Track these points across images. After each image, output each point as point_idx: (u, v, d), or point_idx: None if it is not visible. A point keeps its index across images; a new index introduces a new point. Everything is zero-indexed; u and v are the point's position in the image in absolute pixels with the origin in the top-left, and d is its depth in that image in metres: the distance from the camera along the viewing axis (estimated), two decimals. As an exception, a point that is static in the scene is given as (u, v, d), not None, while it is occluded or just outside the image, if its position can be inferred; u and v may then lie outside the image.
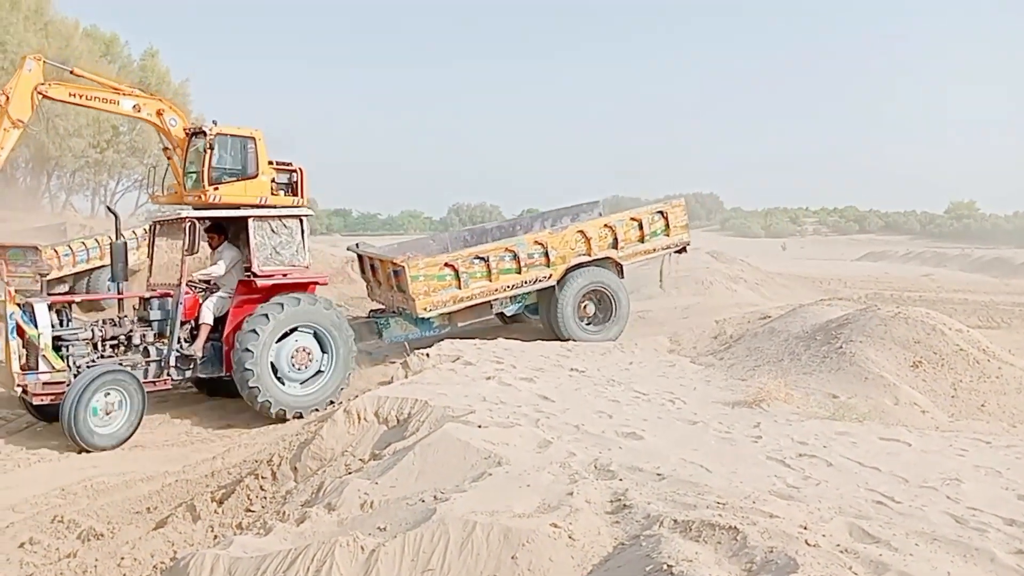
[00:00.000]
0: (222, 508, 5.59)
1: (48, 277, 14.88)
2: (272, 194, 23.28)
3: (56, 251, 15.17)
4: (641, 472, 4.41)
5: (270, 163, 23.29)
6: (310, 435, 6.22)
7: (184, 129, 21.80)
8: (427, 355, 8.85)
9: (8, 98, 18.73)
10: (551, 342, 10.79)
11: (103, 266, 16.21)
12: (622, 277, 11.50)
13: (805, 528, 3.35)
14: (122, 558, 4.95)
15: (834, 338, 8.86)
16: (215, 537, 5.08)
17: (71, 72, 20.74)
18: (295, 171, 23.74)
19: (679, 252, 11.93)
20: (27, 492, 6.50)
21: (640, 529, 3.46)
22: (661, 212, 11.61)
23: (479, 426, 5.22)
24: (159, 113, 21.90)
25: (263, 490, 5.69)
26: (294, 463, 5.86)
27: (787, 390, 7.25)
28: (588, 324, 11.30)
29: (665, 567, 2.92)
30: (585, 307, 11.25)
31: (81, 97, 20.82)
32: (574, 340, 10.67)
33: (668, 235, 11.65)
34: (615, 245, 11.25)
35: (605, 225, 11.25)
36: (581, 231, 11.05)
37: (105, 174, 33.79)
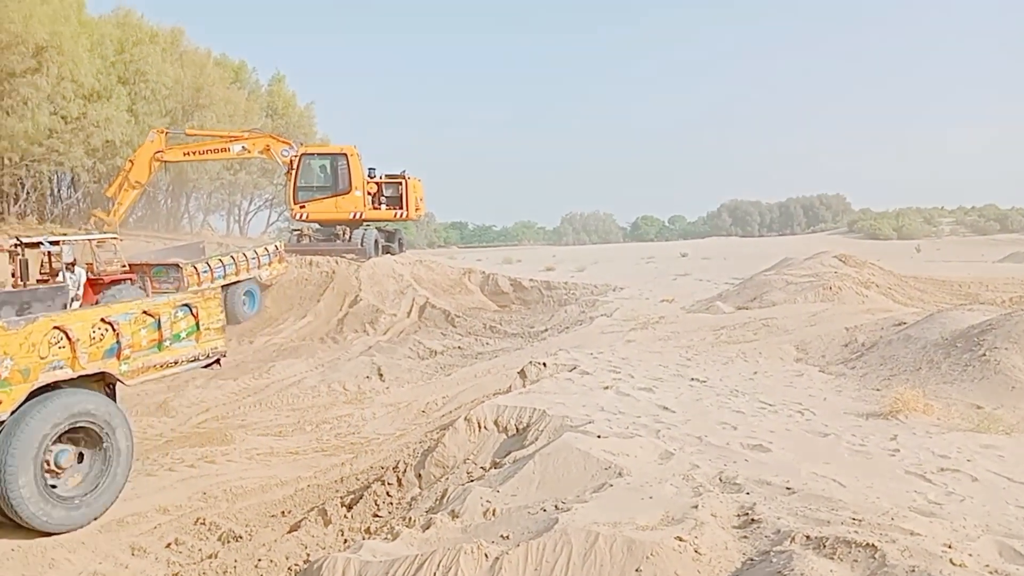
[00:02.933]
0: (351, 513, 5.79)
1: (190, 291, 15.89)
2: (374, 208, 23.95)
3: (195, 268, 16.18)
4: (769, 486, 4.26)
5: (372, 178, 24.04)
6: (433, 443, 6.36)
7: (293, 156, 22.94)
8: (544, 365, 8.89)
9: (132, 164, 21.06)
10: (672, 351, 10.61)
11: (238, 281, 17.21)
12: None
13: (949, 547, 3.15)
14: (259, 560, 5.20)
15: (976, 345, 8.29)
16: (345, 541, 5.27)
17: (186, 133, 22.70)
18: (400, 183, 24.36)
19: (208, 367, 7.88)
20: (173, 496, 6.96)
21: (770, 545, 3.35)
22: (188, 306, 7.50)
23: (598, 436, 5.19)
24: (266, 149, 23.42)
25: (389, 496, 5.85)
26: (418, 470, 6.00)
27: (926, 400, 6.85)
28: (62, 490, 6.12)
29: (797, 584, 2.82)
30: (57, 458, 6.07)
31: (194, 154, 23.04)
32: (30, 522, 5.71)
33: (197, 341, 7.58)
34: (117, 353, 6.68)
35: (103, 320, 6.59)
36: (60, 327, 6.15)
37: (238, 195, 35.87)
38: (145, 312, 7.11)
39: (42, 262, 14.38)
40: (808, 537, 3.27)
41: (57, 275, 14.06)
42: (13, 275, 14.02)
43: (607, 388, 7.26)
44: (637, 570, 3.22)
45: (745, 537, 3.51)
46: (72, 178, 26.27)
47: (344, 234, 21.50)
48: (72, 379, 6.34)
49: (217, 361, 7.89)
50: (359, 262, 19.91)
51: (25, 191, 23.63)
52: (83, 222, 25.94)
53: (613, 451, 4.92)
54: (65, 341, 6.25)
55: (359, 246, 20.87)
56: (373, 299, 17.87)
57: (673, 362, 9.44)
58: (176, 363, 7.45)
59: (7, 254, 14.10)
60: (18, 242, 14.17)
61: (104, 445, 6.43)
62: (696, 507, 3.78)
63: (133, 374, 6.98)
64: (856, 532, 3.28)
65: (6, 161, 21.29)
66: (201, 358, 7.70)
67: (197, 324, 7.58)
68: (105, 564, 5.38)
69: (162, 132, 20.78)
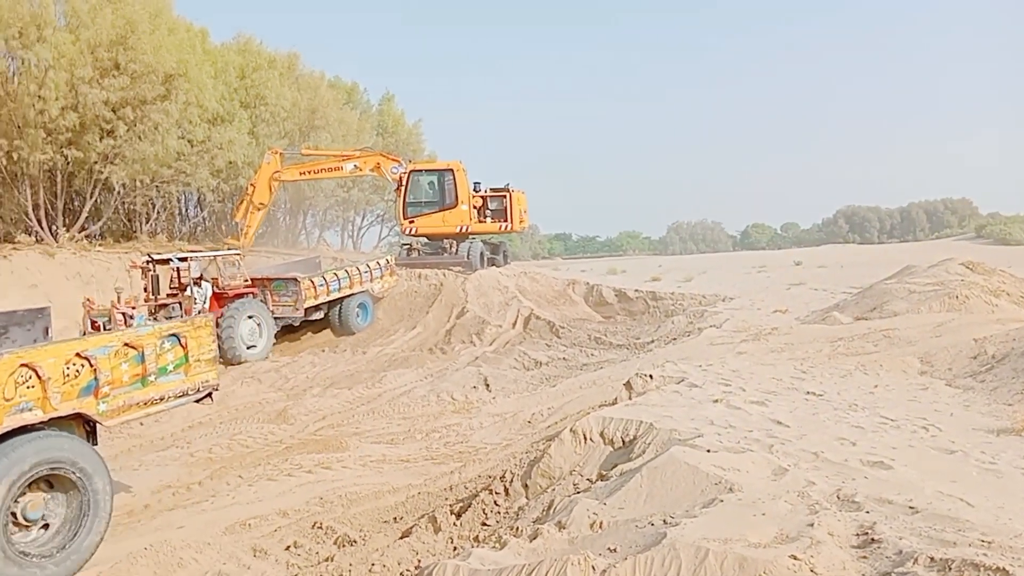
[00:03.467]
0: (460, 521, 5.88)
1: (307, 304, 16.60)
2: (479, 221, 24.42)
3: (312, 282, 16.86)
4: (891, 504, 4.07)
5: (477, 192, 24.53)
6: (539, 453, 6.39)
7: (401, 174, 23.71)
8: (650, 377, 8.78)
9: (254, 187, 22.36)
10: (786, 363, 10.27)
11: (353, 294, 17.82)
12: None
13: (1095, 576, 2.92)
14: (372, 564, 5.36)
15: None
16: (454, 548, 5.36)
17: (301, 152, 23.96)
18: (505, 196, 24.75)
19: (200, 402, 7.42)
20: (292, 500, 7.26)
21: (891, 566, 3.20)
22: (176, 336, 6.95)
23: (708, 450, 5.09)
24: (377, 167, 24.33)
25: (497, 505, 5.92)
26: (525, 480, 6.04)
27: (1066, 418, 6.37)
28: (29, 546, 5.53)
29: (922, 609, 2.68)
30: (24, 511, 5.51)
31: (309, 173, 24.23)
32: None
33: (186, 374, 7.05)
34: (95, 391, 6.12)
35: (79, 355, 6.02)
36: (28, 365, 5.57)
37: (352, 211, 37.13)
38: (127, 344, 6.47)
39: (171, 278, 15.34)
40: (932, 559, 3.10)
41: (185, 290, 14.95)
42: (145, 290, 15.02)
43: (717, 401, 7.11)
44: (749, 588, 3.14)
45: (864, 558, 3.36)
46: (198, 198, 27.87)
47: (451, 247, 21.94)
48: (43, 422, 5.68)
49: (209, 395, 7.31)
50: (466, 274, 20.26)
51: (156, 211, 25.23)
52: (208, 239, 27.50)
53: (723, 466, 4.81)
54: (35, 380, 5.62)
55: (465, 259, 21.24)
56: (479, 310, 18.12)
57: (787, 375, 9.14)
58: (162, 399, 6.81)
59: (140, 270, 15.13)
60: (150, 259, 15.17)
61: (79, 494, 5.76)
62: (812, 525, 3.65)
63: (113, 414, 6.33)
64: (985, 555, 3.09)
65: (138, 183, 22.80)
66: (191, 393, 7.07)
67: (186, 356, 6.98)
68: (229, 564, 5.66)
69: (276, 152, 21.85)
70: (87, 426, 6.24)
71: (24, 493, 5.50)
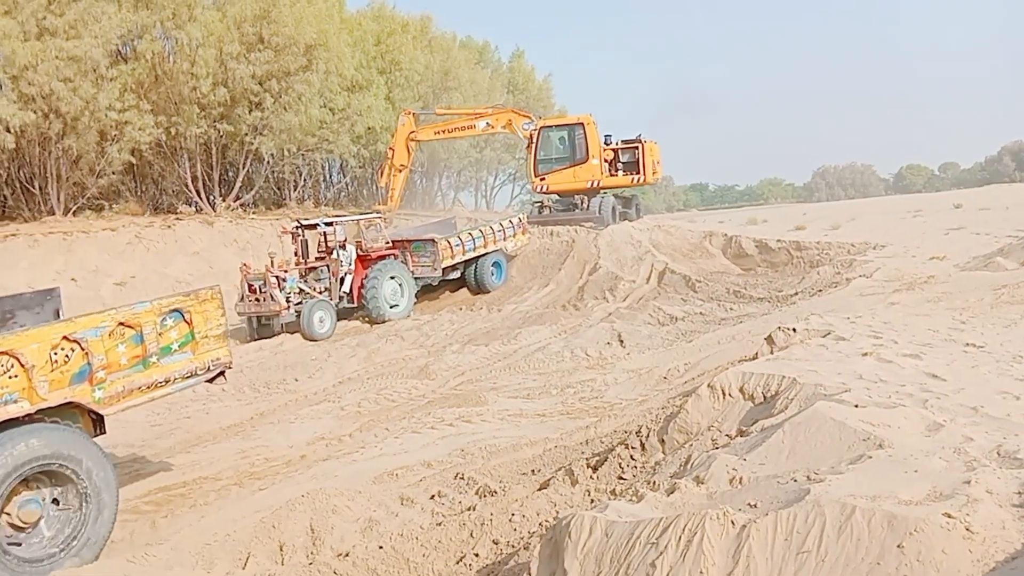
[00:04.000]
0: (597, 475, 5.95)
1: (444, 264, 17.06)
2: (611, 175, 24.07)
3: (449, 242, 17.28)
4: (1060, 463, 3.76)
5: (608, 145, 24.15)
6: (676, 409, 6.33)
7: (533, 131, 23.65)
8: (793, 330, 8.45)
9: (393, 150, 23.01)
10: (943, 314, 9.63)
11: (487, 253, 18.14)
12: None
13: None
14: (512, 514, 5.52)
15: None
16: (591, 501, 5.43)
17: (436, 112, 24.45)
18: (637, 148, 24.24)
19: (212, 381, 6.79)
20: (435, 452, 7.57)
21: (1059, 527, 2.97)
22: (180, 312, 6.41)
23: (855, 405, 4.86)
24: (508, 124, 24.41)
25: (633, 460, 5.93)
26: (661, 435, 6.01)
27: None
28: (28, 550, 5.31)
29: (1097, 575, 2.48)
30: (20, 512, 5.29)
31: (443, 132, 24.72)
32: None
33: (193, 353, 6.50)
34: (89, 377, 5.67)
35: (67, 338, 5.53)
36: (7, 353, 5.18)
37: (485, 171, 37.67)
38: (122, 324, 5.88)
39: (319, 242, 16.14)
40: (1112, 523, 2.86)
41: (332, 252, 15.70)
42: (296, 254, 15.90)
43: (866, 354, 6.75)
44: (899, 546, 2.99)
45: (1029, 517, 3.13)
46: (341, 164, 29.08)
47: (582, 203, 21.81)
48: (31, 414, 5.24)
49: (222, 373, 6.77)
50: (597, 230, 20.11)
51: (302, 178, 26.54)
52: (352, 204, 28.67)
53: (872, 421, 4.58)
54: (18, 368, 5.14)
55: (596, 214, 21.06)
56: (612, 266, 18.00)
57: (944, 326, 8.55)
58: (168, 382, 6.25)
59: (290, 236, 16.00)
60: (299, 224, 16.00)
61: (78, 490, 5.43)
62: (968, 483, 3.43)
63: (112, 400, 5.79)
64: None
65: (285, 152, 24.02)
66: (200, 372, 6.52)
67: (192, 333, 6.40)
68: (379, 512, 5.99)
69: (410, 113, 22.37)
70: (92, 415, 5.82)
71: (18, 492, 5.21)
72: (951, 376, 5.95)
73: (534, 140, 21.83)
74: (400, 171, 22.08)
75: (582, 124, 22.07)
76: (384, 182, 22.48)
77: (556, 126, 22.79)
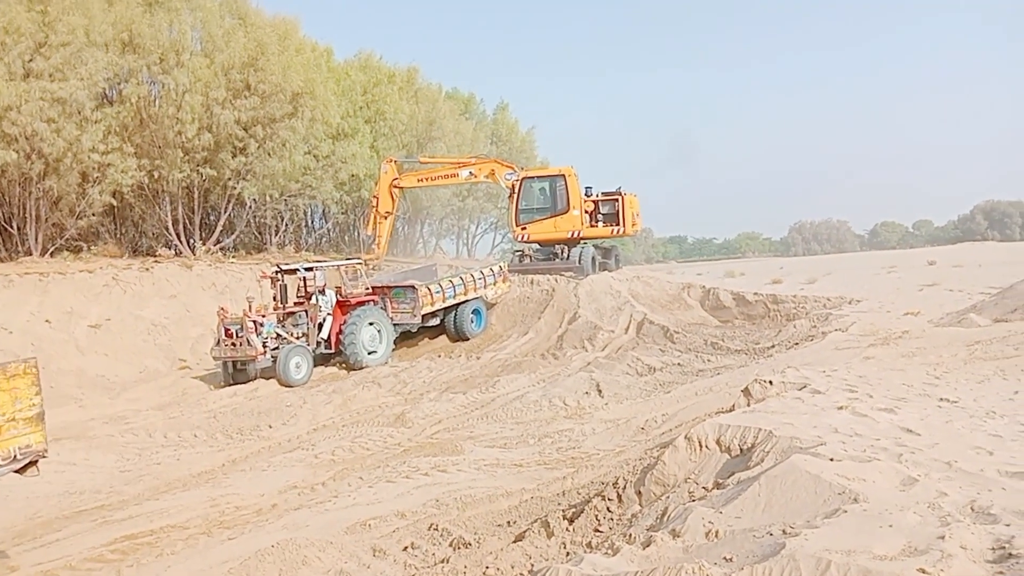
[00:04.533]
0: (573, 527, 5.88)
1: (424, 311, 17.04)
2: (591, 226, 24.31)
3: (429, 289, 17.29)
4: (1033, 519, 3.77)
5: (588, 196, 24.43)
6: (653, 460, 6.30)
7: (514, 181, 23.91)
8: (770, 383, 8.49)
9: (378, 198, 23.32)
10: (917, 368, 9.73)
11: (467, 300, 18.15)
12: None
13: None
14: (487, 567, 5.43)
15: None
16: (567, 553, 5.36)
17: (419, 161, 24.72)
18: (617, 200, 24.54)
19: (22, 472, 6.07)
20: (410, 502, 7.46)
21: (1033, 585, 2.97)
22: None
23: (831, 459, 4.87)
24: (491, 174, 24.68)
25: (610, 512, 5.87)
26: (638, 487, 5.97)
27: None
28: None
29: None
30: None
31: (427, 180, 25.00)
32: None
33: None
34: None
35: None
36: None
37: (466, 219, 37.88)
38: None
39: (298, 287, 16.08)
40: (1084, 581, 2.86)
41: (311, 298, 15.64)
42: (274, 299, 15.81)
43: (841, 408, 6.79)
44: (873, 603, 2.99)
45: (1001, 573, 3.13)
46: (323, 210, 29.14)
47: (562, 252, 21.95)
48: None
49: (34, 463, 5.83)
50: (577, 280, 20.21)
51: (284, 223, 26.54)
52: (333, 249, 28.66)
53: (848, 475, 4.59)
54: None
55: (577, 264, 21.19)
56: (591, 316, 18.05)
57: (919, 380, 8.64)
58: None
59: (269, 280, 15.94)
60: (278, 269, 15.96)
61: None
62: (943, 538, 3.43)
63: None
64: None
65: (268, 198, 24.06)
66: (3, 463, 5.58)
67: None
68: (350, 564, 5.86)
69: (391, 161, 22.57)
70: None
71: None
72: (925, 431, 5.99)
73: (516, 190, 22.04)
74: (385, 218, 22.22)
75: (563, 176, 22.34)
76: (370, 230, 22.60)
77: (538, 177, 23.05)
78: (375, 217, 22.22)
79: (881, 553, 3.37)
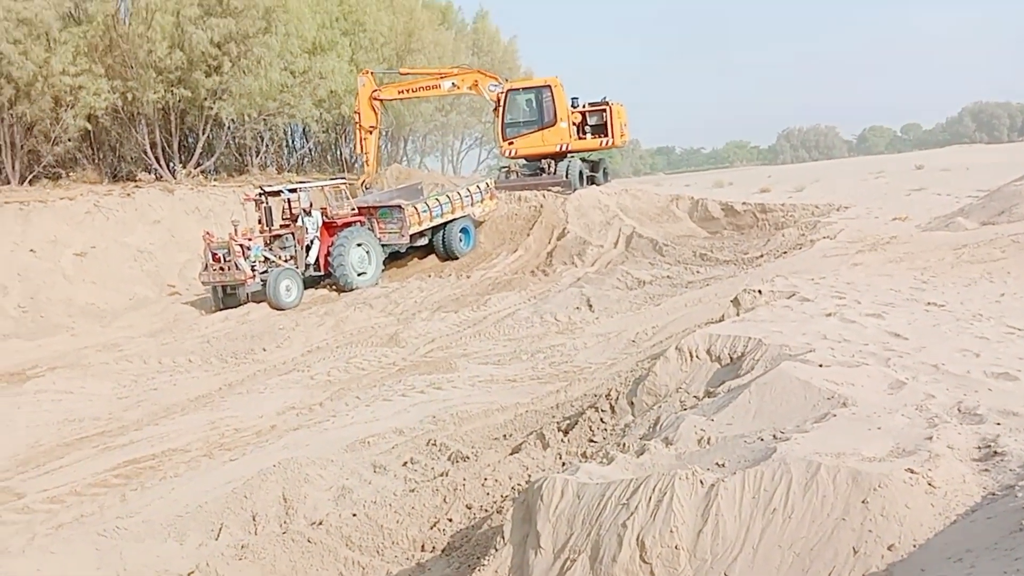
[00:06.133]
0: (567, 438, 6.01)
1: (412, 231, 16.94)
2: (579, 138, 23.82)
3: (416, 208, 17.13)
4: (1016, 416, 3.87)
5: (575, 108, 23.81)
6: (644, 372, 6.39)
7: (499, 93, 23.10)
8: (759, 292, 8.55)
9: (359, 113, 22.14)
10: (905, 274, 9.81)
11: (455, 219, 18.02)
12: None
13: None
14: (485, 479, 5.57)
15: None
16: (563, 464, 5.49)
17: (399, 73, 23.50)
18: (604, 110, 23.98)
19: None
20: (407, 419, 7.59)
21: (1015, 479, 3.07)
22: None
23: (820, 365, 4.95)
24: (475, 85, 23.87)
25: (603, 423, 6.00)
26: (630, 398, 6.08)
27: None
28: None
29: (1051, 524, 2.57)
30: None
31: (408, 92, 23.87)
32: None
33: None
34: None
35: None
36: None
37: (451, 135, 37.26)
38: None
39: (283, 209, 15.90)
40: (1065, 474, 2.96)
41: (296, 220, 15.49)
42: (259, 221, 15.66)
43: (830, 315, 6.87)
44: (863, 501, 3.07)
45: (986, 471, 3.23)
46: (303, 129, 28.52)
47: (549, 168, 21.67)
48: None
49: None
50: (565, 195, 20.03)
51: (264, 144, 26.01)
52: (315, 170, 28.23)
53: (836, 380, 4.68)
54: None
55: (564, 178, 20.95)
56: (580, 231, 18.00)
57: (906, 285, 8.72)
58: None
59: (253, 203, 15.75)
60: (262, 191, 15.75)
61: None
62: (930, 439, 3.52)
63: None
64: None
65: (246, 118, 23.49)
66: None
67: None
68: (352, 479, 6.00)
69: (368, 73, 21.67)
70: None
71: None
72: (913, 335, 6.08)
73: (501, 103, 21.54)
74: (370, 133, 21.42)
75: (549, 87, 21.79)
76: (359, 150, 21.87)
77: (523, 88, 22.46)
78: (359, 132, 21.49)
79: (870, 455, 3.46)
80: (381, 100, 21.75)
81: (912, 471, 3.17)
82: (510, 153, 22.01)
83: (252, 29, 21.25)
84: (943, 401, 4.24)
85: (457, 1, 42.99)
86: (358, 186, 20.45)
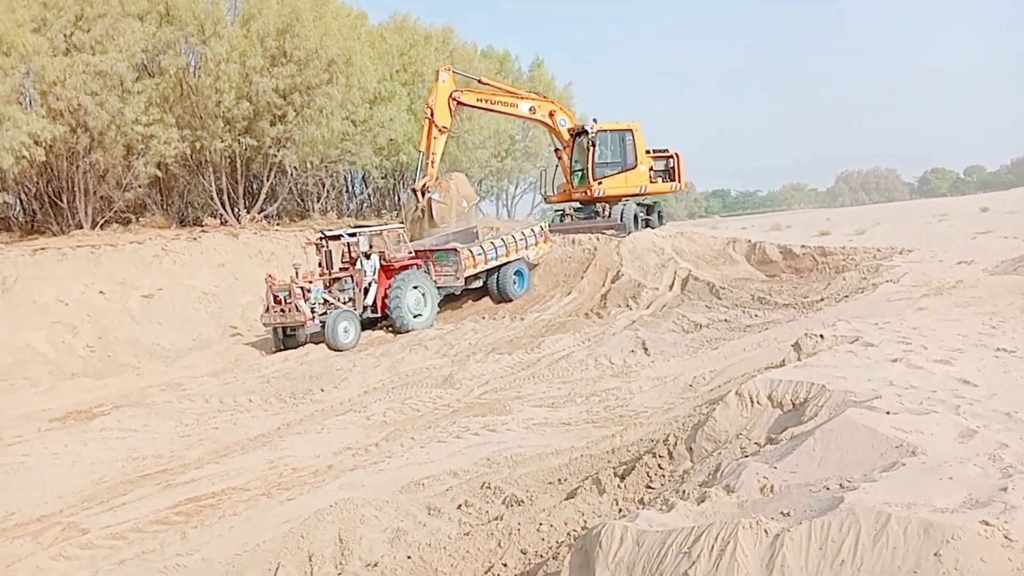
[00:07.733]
0: (624, 484, 5.91)
1: (467, 273, 17.10)
2: (651, 182, 23.87)
3: (471, 251, 17.32)
4: (1098, 469, 3.69)
5: (647, 152, 23.90)
6: (703, 417, 6.29)
7: (569, 130, 23.19)
8: (821, 337, 8.37)
9: (432, 110, 21.14)
10: (973, 318, 9.50)
11: (509, 261, 18.14)
12: None
13: None
14: (540, 524, 5.50)
15: None
16: (620, 510, 5.40)
17: (479, 81, 22.83)
18: (671, 157, 24.09)
19: None
20: (461, 461, 7.57)
21: (1100, 536, 2.92)
22: None
23: (887, 412, 4.81)
24: (551, 114, 23.76)
25: (661, 468, 5.89)
26: (689, 443, 5.97)
27: None
28: None
29: None
30: None
31: (487, 101, 23.13)
32: None
33: None
34: None
35: None
36: None
37: (505, 180, 37.69)
38: None
39: (343, 252, 16.24)
40: None
41: (355, 263, 15.79)
42: (320, 264, 16.01)
43: (895, 361, 6.68)
44: (936, 554, 2.95)
45: (1069, 525, 3.08)
46: (363, 175, 29.23)
47: (604, 211, 21.70)
48: None
49: None
50: (619, 237, 20.02)
51: (325, 190, 26.70)
52: (374, 215, 28.78)
53: (905, 428, 4.53)
54: None
55: (619, 221, 20.97)
56: (634, 274, 17.93)
57: (974, 331, 8.43)
58: None
59: (314, 247, 16.12)
60: (323, 235, 16.12)
61: None
62: (1005, 489, 3.38)
63: None
64: None
65: (308, 165, 24.18)
66: None
67: None
68: (406, 522, 5.99)
69: (448, 70, 20.19)
70: None
71: None
72: (983, 381, 5.87)
73: (587, 143, 21.56)
74: (441, 133, 19.46)
75: (631, 130, 21.95)
76: (424, 147, 19.44)
77: (612, 130, 22.38)
78: (430, 130, 19.27)
79: (942, 506, 3.34)
80: (460, 102, 20.35)
81: (987, 523, 3.04)
82: (599, 193, 21.86)
83: (315, 79, 21.99)
84: (1017, 451, 4.07)
85: (515, 49, 43.77)
86: (418, 189, 19.19)
